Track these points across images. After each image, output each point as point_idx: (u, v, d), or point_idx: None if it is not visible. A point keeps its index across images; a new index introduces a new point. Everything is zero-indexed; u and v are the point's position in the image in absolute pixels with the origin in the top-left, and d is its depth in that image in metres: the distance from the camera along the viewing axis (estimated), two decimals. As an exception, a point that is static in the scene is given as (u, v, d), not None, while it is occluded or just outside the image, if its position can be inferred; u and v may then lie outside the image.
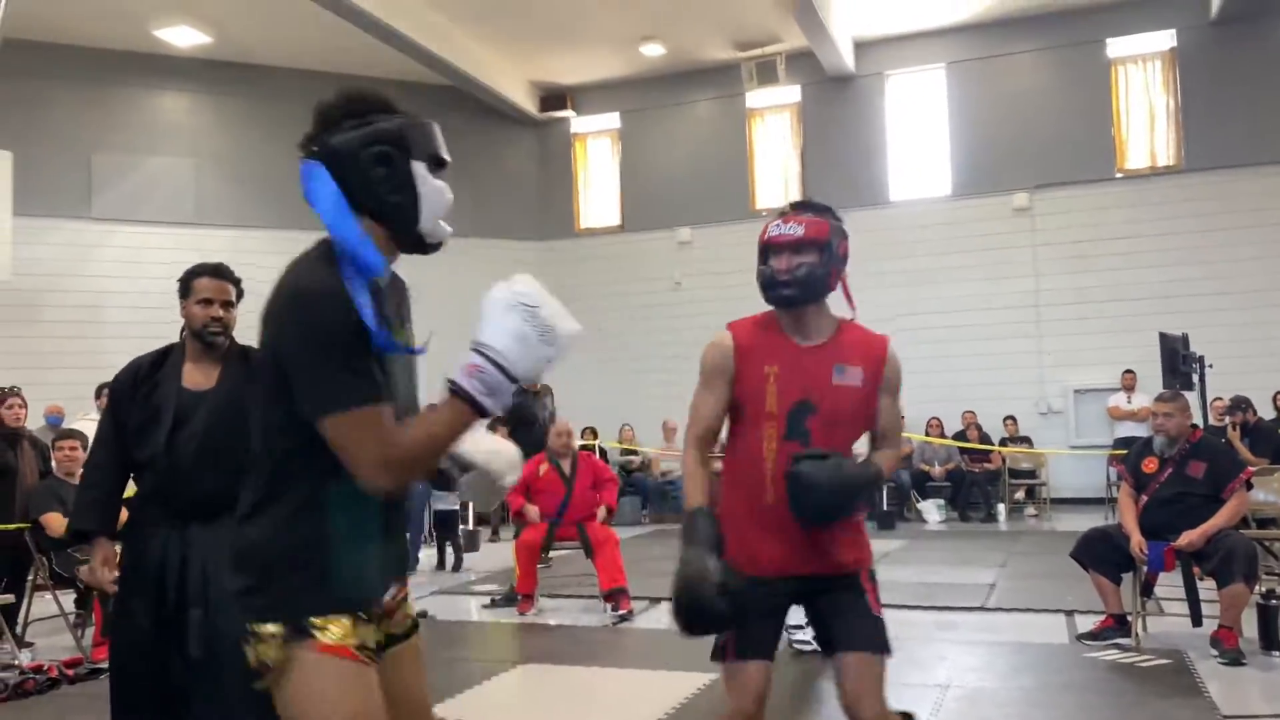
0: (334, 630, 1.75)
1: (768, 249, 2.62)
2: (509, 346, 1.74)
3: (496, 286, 1.81)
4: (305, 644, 1.73)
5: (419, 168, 1.87)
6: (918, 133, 13.89)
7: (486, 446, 2.01)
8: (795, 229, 2.55)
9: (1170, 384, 8.40)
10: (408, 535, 7.11)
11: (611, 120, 15.34)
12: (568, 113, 15.23)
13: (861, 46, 13.91)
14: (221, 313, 3.21)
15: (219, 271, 3.26)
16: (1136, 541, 5.05)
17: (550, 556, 7.46)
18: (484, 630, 6.54)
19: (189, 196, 13.58)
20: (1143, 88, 13.01)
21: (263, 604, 1.76)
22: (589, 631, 6.23)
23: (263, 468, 1.82)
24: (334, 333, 1.71)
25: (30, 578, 6.26)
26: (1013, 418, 12.51)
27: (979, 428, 12.38)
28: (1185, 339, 9.21)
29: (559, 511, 6.83)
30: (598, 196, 15.45)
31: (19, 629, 6.03)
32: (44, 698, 4.95)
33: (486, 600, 7.26)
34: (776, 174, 14.52)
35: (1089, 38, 13.04)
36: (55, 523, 5.86)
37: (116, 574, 3.21)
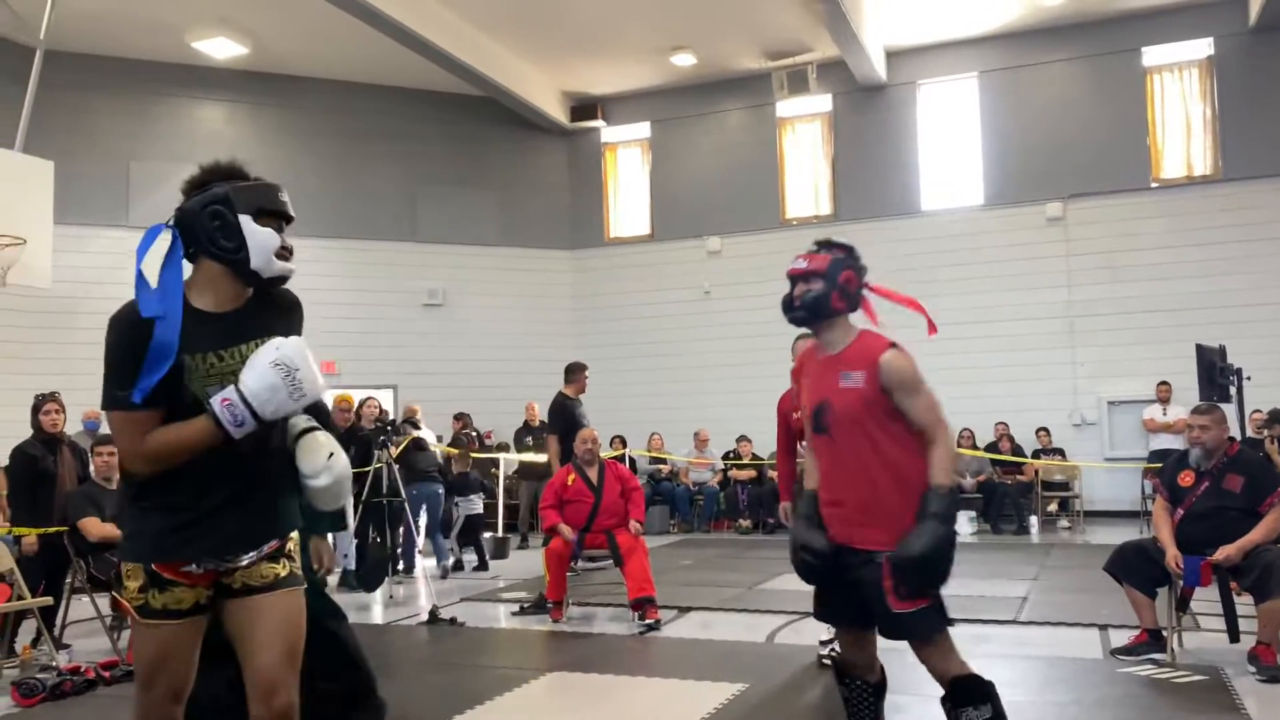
0: (130, 585, 2.33)
1: (789, 280, 3.18)
2: (261, 393, 2.23)
3: (266, 346, 2.31)
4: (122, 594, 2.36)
5: (245, 220, 2.35)
6: (950, 142, 13.82)
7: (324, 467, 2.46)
8: (801, 263, 3.13)
9: (1207, 396, 8.28)
10: (423, 537, 7.05)
11: (642, 130, 15.38)
12: (598, 122, 15.29)
13: (893, 56, 13.87)
14: None
15: None
16: (1172, 555, 4.98)
17: (580, 567, 7.45)
18: (513, 637, 6.56)
19: (225, 205, 13.76)
20: (1179, 96, 12.87)
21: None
22: (617, 640, 6.23)
23: None
24: (112, 352, 2.29)
25: (68, 580, 6.36)
26: (1045, 429, 12.40)
27: (1011, 439, 12.27)
28: (1223, 350, 9.08)
29: (588, 520, 6.85)
30: (628, 206, 15.48)
31: (57, 631, 6.12)
32: (81, 699, 5.03)
33: (515, 607, 7.28)
34: (807, 183, 14.49)
35: (1124, 46, 12.93)
36: (93, 527, 5.96)
37: None
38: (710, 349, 14.14)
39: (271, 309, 2.49)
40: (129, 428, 2.28)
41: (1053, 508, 12.26)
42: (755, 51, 13.80)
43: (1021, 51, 13.40)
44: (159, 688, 2.39)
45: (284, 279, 2.45)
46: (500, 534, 10.92)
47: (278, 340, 2.31)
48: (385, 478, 8.20)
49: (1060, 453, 12.32)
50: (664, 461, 13.44)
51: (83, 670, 5.22)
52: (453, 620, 6.83)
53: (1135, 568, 5.26)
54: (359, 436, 8.65)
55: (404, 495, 8.42)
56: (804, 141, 14.55)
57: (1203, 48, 12.73)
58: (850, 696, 3.25)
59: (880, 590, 2.94)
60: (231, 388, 2.25)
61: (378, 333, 14.00)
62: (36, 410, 6.42)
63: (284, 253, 2.41)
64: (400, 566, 9.01)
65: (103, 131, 13.14)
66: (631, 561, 6.58)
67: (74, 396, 10.94)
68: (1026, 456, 12.13)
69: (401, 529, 9.02)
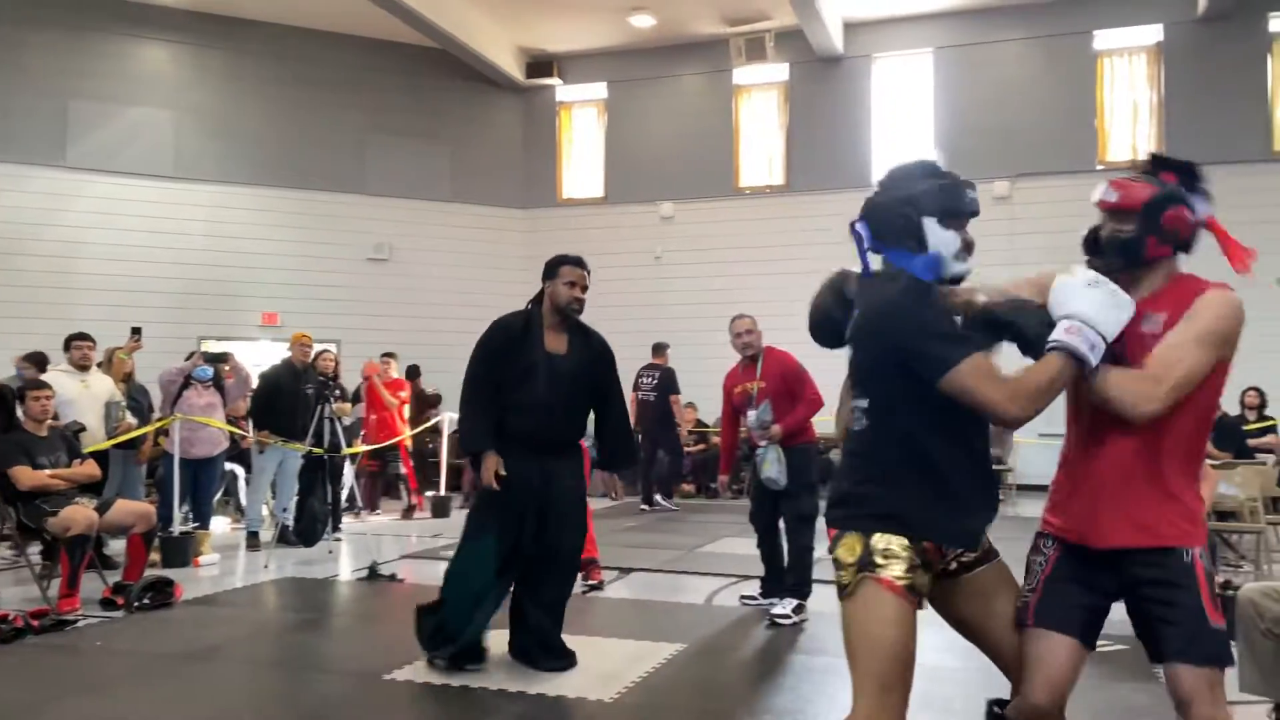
0: (895, 566, 2.30)
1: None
2: (1097, 313, 2.22)
3: (1063, 276, 2.32)
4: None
5: (929, 222, 2.38)
6: (903, 117, 13.91)
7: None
8: (1111, 194, 2.45)
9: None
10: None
11: (598, 90, 15.25)
12: (554, 80, 15.12)
13: (851, 27, 13.89)
14: (581, 294, 4.40)
15: (580, 262, 4.46)
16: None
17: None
18: (453, 595, 6.56)
19: (168, 149, 13.41)
20: (1127, 81, 13.09)
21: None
22: (558, 600, 6.25)
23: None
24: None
25: (-3, 527, 6.23)
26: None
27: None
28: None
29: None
30: (582, 167, 15.38)
31: (-15, 578, 6.00)
32: (9, 647, 4.93)
33: (456, 566, 7.27)
34: (761, 152, 14.50)
35: (1077, 28, 13.09)
36: (24, 476, 5.83)
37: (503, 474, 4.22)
38: (659, 315, 14.14)
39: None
40: (990, 374, 2.27)
41: (988, 481, 12.52)
42: (714, 16, 13.72)
43: (976, 29, 13.49)
44: (905, 686, 2.27)
45: (961, 278, 2.45)
46: (442, 493, 10.90)
47: (1075, 270, 2.33)
48: (328, 432, 8.12)
49: (997, 427, 12.56)
50: (609, 425, 13.47)
51: (11, 619, 5.12)
52: (392, 576, 6.82)
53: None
54: (318, 380, 8.50)
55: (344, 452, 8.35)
56: (760, 110, 14.55)
57: (1153, 34, 12.94)
58: None
59: (1195, 597, 2.26)
60: (1071, 319, 2.23)
61: (321, 285, 13.78)
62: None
63: (963, 253, 2.41)
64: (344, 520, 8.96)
65: (40, 68, 12.69)
66: (574, 522, 6.62)
67: (5, 340, 10.69)
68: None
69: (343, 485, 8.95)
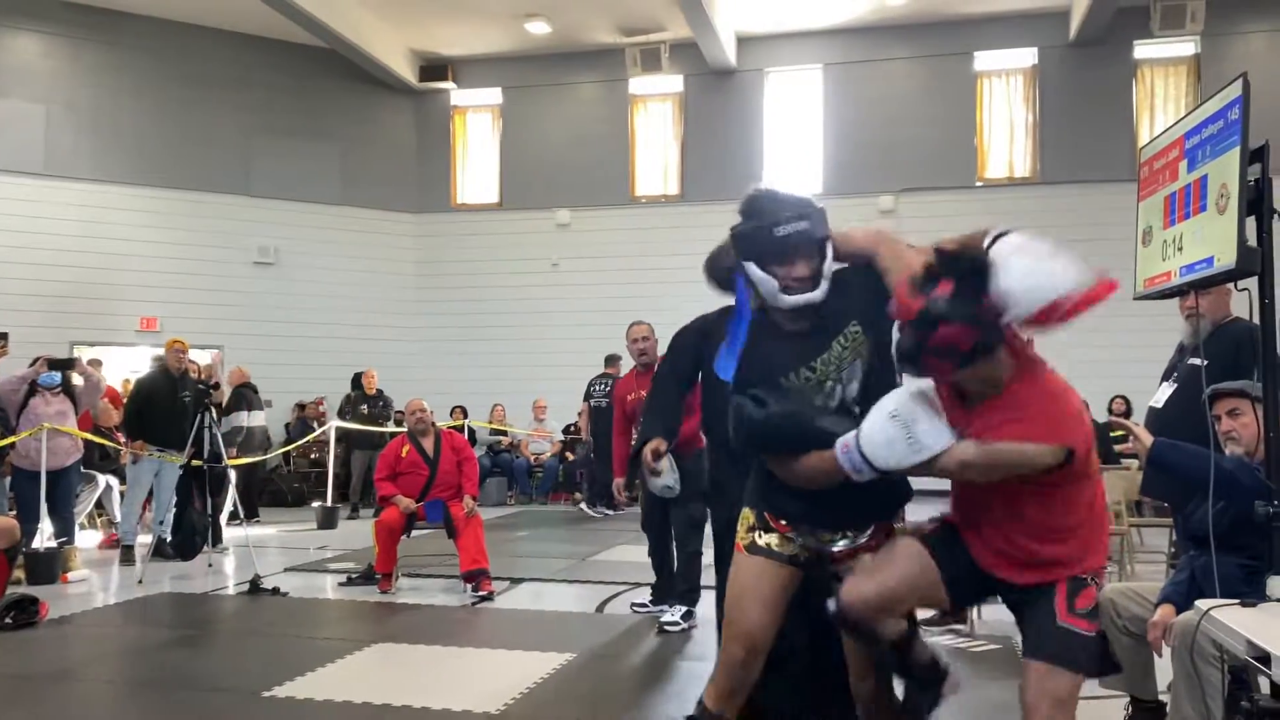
0: (740, 528, 2.77)
1: None
2: (877, 448, 2.33)
3: (890, 394, 2.42)
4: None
5: (749, 266, 2.57)
6: (793, 130, 14.20)
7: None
8: (894, 306, 2.52)
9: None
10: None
11: (493, 95, 15.14)
12: (448, 84, 14.96)
13: (744, 41, 14.13)
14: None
15: None
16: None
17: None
18: (339, 608, 6.43)
19: (38, 145, 12.78)
20: (1005, 101, 13.64)
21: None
22: (448, 611, 6.19)
23: None
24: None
25: None
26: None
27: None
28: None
29: (422, 492, 6.76)
30: (476, 172, 15.24)
31: None
32: None
33: (343, 578, 7.13)
34: (657, 162, 14.61)
35: (958, 50, 13.58)
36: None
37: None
38: (556, 322, 14.13)
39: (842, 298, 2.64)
40: None
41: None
42: (609, 25, 13.78)
43: (864, 47, 13.87)
44: (735, 625, 2.65)
45: (798, 308, 2.58)
46: (329, 504, 10.66)
47: (898, 391, 2.41)
48: (207, 442, 7.85)
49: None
50: (504, 433, 13.38)
51: None
52: (275, 590, 6.64)
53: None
54: (198, 388, 8.20)
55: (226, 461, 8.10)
56: (655, 120, 14.66)
57: (1028, 57, 13.52)
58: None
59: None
60: (853, 434, 2.38)
61: (204, 290, 13.32)
62: None
63: (792, 288, 2.53)
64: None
65: (-105, 55, 11.97)
66: (465, 533, 6.54)
67: None
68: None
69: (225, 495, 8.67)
